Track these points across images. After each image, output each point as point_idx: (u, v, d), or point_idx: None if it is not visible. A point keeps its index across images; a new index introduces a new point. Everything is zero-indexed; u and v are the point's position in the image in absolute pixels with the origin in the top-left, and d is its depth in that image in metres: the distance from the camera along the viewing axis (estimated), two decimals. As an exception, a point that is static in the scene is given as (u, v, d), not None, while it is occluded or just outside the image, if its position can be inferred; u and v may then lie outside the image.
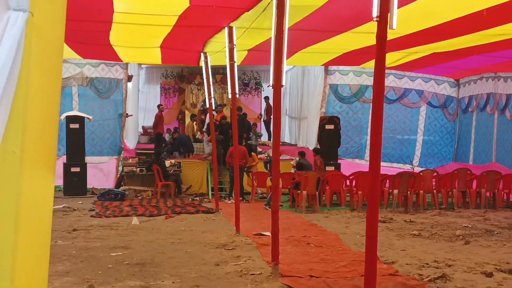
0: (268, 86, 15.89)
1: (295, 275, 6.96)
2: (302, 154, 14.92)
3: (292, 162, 15.16)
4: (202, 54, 12.52)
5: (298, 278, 6.86)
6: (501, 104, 16.06)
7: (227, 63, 10.11)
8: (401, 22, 8.23)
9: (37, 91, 1.78)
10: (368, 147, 9.81)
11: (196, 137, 20.04)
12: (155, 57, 13.90)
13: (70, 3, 7.75)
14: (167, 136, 19.89)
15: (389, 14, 3.99)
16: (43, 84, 1.84)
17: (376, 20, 4.04)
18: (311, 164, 14.61)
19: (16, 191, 1.73)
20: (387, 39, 4.70)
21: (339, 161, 16.20)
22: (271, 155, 14.39)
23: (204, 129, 18.91)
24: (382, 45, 4.13)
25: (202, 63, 12.83)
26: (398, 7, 4.34)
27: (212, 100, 13.15)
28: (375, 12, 4.01)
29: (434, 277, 6.89)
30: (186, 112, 22.73)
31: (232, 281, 6.75)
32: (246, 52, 12.45)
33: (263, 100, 22.83)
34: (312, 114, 18.65)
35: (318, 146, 16.29)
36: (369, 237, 4.43)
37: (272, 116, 14.91)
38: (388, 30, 4.23)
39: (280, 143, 10.11)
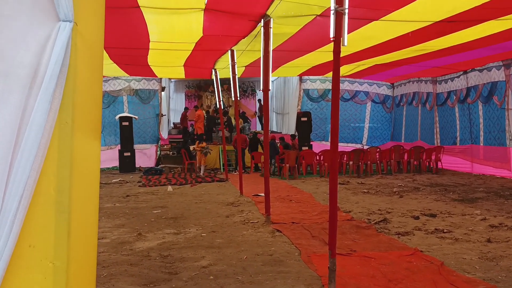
0: (259, 90, 15.78)
1: (281, 222, 6.99)
2: (282, 139, 14.85)
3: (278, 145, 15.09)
4: (213, 70, 12.44)
5: (284, 224, 6.88)
6: (423, 99, 16.07)
7: (230, 76, 10.05)
8: (351, 43, 8.20)
9: (82, 79, 1.80)
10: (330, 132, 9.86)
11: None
12: (180, 73, 13.82)
13: (119, 36, 7.65)
14: (190, 129, 19.80)
15: (341, 35, 3.94)
16: (87, 73, 1.87)
17: (332, 40, 3.99)
18: (290, 145, 14.61)
19: (70, 151, 1.74)
20: (342, 55, 4.65)
21: (311, 143, 16.19)
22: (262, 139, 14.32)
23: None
24: (337, 57, 4.08)
25: (213, 77, 12.76)
26: (348, 32, 4.30)
27: (221, 102, 13.07)
28: (332, 34, 3.97)
29: (378, 220, 6.93)
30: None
31: (238, 228, 6.77)
32: (244, 68, 12.38)
33: (257, 102, 22.70)
34: (291, 110, 18.59)
35: (296, 134, 16.24)
36: (332, 194, 4.42)
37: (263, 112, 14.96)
38: (342, 48, 4.18)
39: (269, 131, 10.13)
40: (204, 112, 18.87)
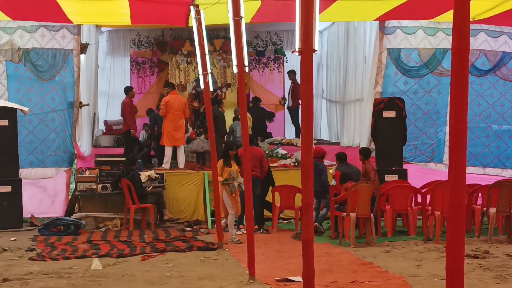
0: (293, 52, 15.83)
1: None
2: (341, 157, 14.79)
3: (331, 171, 15.05)
4: (192, 7, 12.48)
5: None
6: None
7: (230, 20, 10.09)
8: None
9: None
10: (448, 144, 9.89)
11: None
12: (121, 14, 13.93)
13: None
14: (142, 135, 19.87)
15: None
16: None
17: None
18: (360, 172, 14.54)
19: None
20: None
21: (405, 166, 16.14)
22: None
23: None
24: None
25: (193, 22, 12.79)
26: None
27: (209, 77, 13.08)
28: None
29: None
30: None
31: None
32: (259, 2, 12.46)
33: (286, 77, 22.71)
34: (362, 95, 18.57)
35: (373, 147, 16.19)
36: (452, 280, 4.41)
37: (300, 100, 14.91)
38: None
39: (314, 141, 10.02)
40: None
